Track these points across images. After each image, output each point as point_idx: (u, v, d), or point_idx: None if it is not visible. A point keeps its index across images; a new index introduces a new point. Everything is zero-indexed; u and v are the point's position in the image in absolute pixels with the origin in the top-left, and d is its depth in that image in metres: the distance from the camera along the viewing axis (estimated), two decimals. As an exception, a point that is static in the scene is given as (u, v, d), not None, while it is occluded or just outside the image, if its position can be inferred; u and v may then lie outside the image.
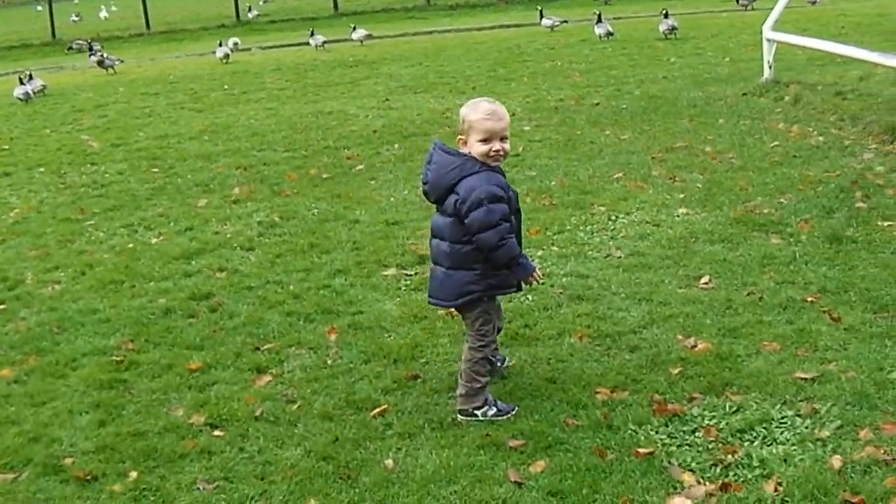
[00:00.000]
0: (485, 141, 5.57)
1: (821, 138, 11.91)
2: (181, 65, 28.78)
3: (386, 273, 8.19)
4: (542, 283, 6.79)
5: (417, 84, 19.47)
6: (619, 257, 8.17)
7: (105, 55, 28.65)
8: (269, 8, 50.25)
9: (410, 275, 8.13)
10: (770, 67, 15.72)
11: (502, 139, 5.62)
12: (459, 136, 5.71)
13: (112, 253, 9.57)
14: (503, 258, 5.59)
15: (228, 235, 9.73)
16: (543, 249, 8.52)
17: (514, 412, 5.69)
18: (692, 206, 9.47)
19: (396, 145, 13.51)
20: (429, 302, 5.96)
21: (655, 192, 10.12)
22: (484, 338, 5.73)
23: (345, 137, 14.35)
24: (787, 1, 15.75)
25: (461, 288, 5.66)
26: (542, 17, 29.55)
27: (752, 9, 32.16)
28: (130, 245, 9.76)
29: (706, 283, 7.40)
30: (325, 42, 29.25)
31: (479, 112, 5.60)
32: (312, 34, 29.98)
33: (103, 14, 59.02)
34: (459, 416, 5.70)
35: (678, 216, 9.21)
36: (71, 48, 38.49)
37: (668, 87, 16.55)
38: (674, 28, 24.07)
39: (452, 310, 6.35)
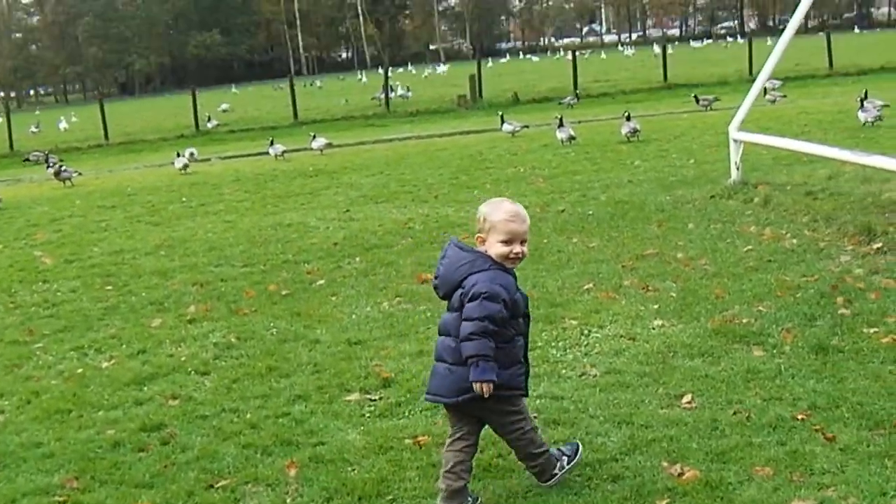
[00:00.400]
0: (506, 242, 5.59)
1: (794, 241, 11.62)
2: (139, 176, 28.45)
3: (349, 398, 7.71)
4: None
5: (378, 193, 19.15)
6: (595, 375, 7.74)
7: (62, 167, 28.24)
8: (229, 118, 50.15)
9: (374, 400, 7.65)
10: (737, 169, 15.51)
11: (522, 242, 5.64)
12: (479, 235, 5.71)
13: (60, 379, 9.03)
14: (466, 351, 5.50)
15: (183, 358, 9.23)
16: (514, 368, 8.10)
17: (579, 447, 6.06)
18: (668, 318, 9.10)
19: (358, 258, 13.09)
20: (426, 398, 5.93)
21: (628, 302, 9.74)
22: (524, 435, 5.82)
23: (305, 251, 13.93)
24: (752, 101, 15.56)
25: (462, 384, 5.56)
26: (503, 122, 29.40)
27: (712, 109, 32.33)
28: (80, 370, 9.23)
29: (689, 403, 6.98)
30: (284, 151, 28.99)
31: (502, 213, 5.61)
32: (272, 143, 29.76)
33: (63, 125, 59.02)
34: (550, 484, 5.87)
35: (654, 328, 8.83)
36: (28, 160, 38.20)
37: (635, 192, 16.29)
38: (636, 130, 24.02)
39: (420, 439, 5.98)
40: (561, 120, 25.70)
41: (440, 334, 5.83)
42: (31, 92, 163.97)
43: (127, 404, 8.11)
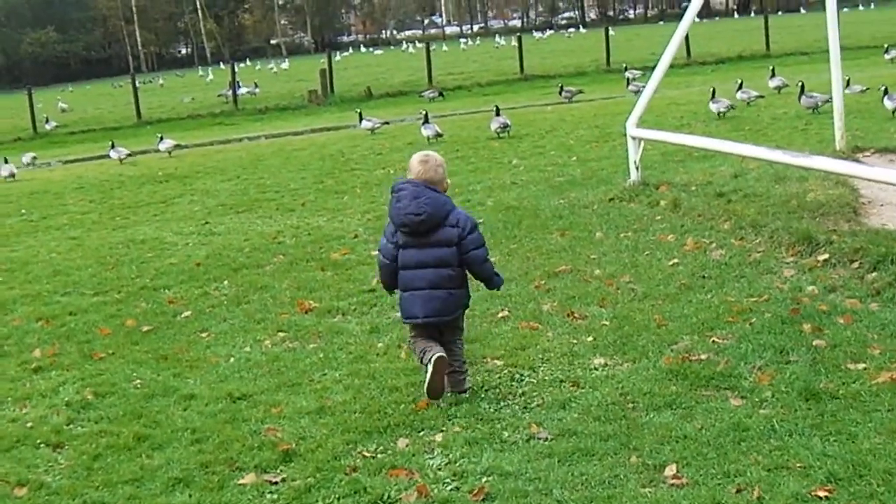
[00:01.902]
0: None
1: (722, 251, 10.34)
2: (-29, 184, 26.12)
3: (242, 481, 6.05)
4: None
5: (238, 202, 17.38)
6: (546, 439, 6.26)
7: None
8: (68, 118, 47.50)
9: (276, 483, 6.04)
10: (637, 168, 14.17)
11: None
12: (446, 180, 7.33)
13: None
14: (489, 270, 7.33)
15: (29, 425, 7.40)
16: (443, 431, 6.58)
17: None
18: (609, 354, 7.70)
19: (226, 282, 11.42)
20: (425, 321, 7.12)
21: (556, 335, 8.32)
22: (462, 344, 7.41)
23: (164, 273, 12.17)
24: (650, 94, 14.25)
25: (459, 301, 7.26)
26: (361, 119, 27.67)
27: (574, 101, 31.33)
28: None
29: (676, 477, 5.56)
30: (129, 154, 27.02)
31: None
32: (113, 146, 27.73)
33: None
34: (465, 393, 7.17)
35: (597, 369, 7.42)
36: None
37: (523, 195, 14.92)
38: (506, 126, 22.73)
39: None
40: (426, 116, 24.26)
41: (428, 267, 7.05)
42: None
43: (-46, 497, 6.38)
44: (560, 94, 32.49)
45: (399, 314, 7.51)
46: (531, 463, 5.95)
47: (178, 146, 27.80)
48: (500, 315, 8.99)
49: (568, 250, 11.24)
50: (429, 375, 6.90)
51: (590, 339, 8.11)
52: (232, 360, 8.53)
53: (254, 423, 6.97)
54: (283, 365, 8.23)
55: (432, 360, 6.86)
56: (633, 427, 6.28)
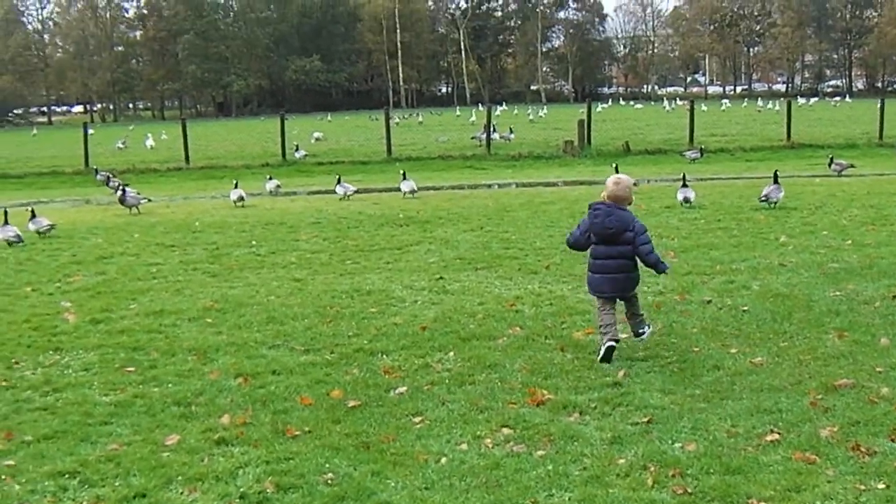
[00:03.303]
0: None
1: None
2: (213, 208, 25.77)
3: None
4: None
5: (478, 256, 16.10)
6: None
7: (126, 190, 25.64)
8: (319, 148, 47.55)
9: None
10: (930, 266, 12.34)
11: None
12: (631, 196, 10.16)
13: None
14: (654, 258, 9.94)
15: (194, 519, 6.30)
16: None
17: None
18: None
19: (452, 353, 10.13)
20: (609, 295, 9.93)
21: (838, 474, 6.73)
22: (638, 300, 10.34)
23: (384, 335, 10.97)
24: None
25: (636, 281, 10.09)
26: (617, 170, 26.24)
27: (846, 174, 29.27)
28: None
29: None
30: (355, 191, 26.98)
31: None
32: (339, 181, 27.46)
33: (149, 143, 57.21)
34: (645, 336, 10.18)
35: (896, 536, 5.81)
36: (98, 176, 35.89)
37: (793, 282, 13.21)
38: (770, 198, 21.09)
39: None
40: (684, 178, 22.82)
41: (610, 258, 9.88)
42: (130, 106, 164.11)
43: None
44: (829, 166, 30.39)
45: (587, 289, 10.40)
46: None
47: (413, 191, 26.76)
48: (769, 438, 7.42)
49: (847, 357, 9.57)
50: (603, 350, 9.72)
51: (881, 486, 6.50)
52: (444, 460, 7.18)
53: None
54: (503, 476, 6.85)
55: (606, 344, 9.71)
56: None
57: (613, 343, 9.61)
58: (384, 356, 10.16)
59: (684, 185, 22.40)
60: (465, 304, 12.46)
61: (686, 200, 21.93)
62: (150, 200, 26.04)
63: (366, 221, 21.17)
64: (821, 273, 13.75)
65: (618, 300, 10.00)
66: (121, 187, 26.37)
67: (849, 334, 10.38)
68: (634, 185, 10.74)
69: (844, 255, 15.19)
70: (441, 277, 14.34)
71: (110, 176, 33.79)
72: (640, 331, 10.09)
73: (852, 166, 30.59)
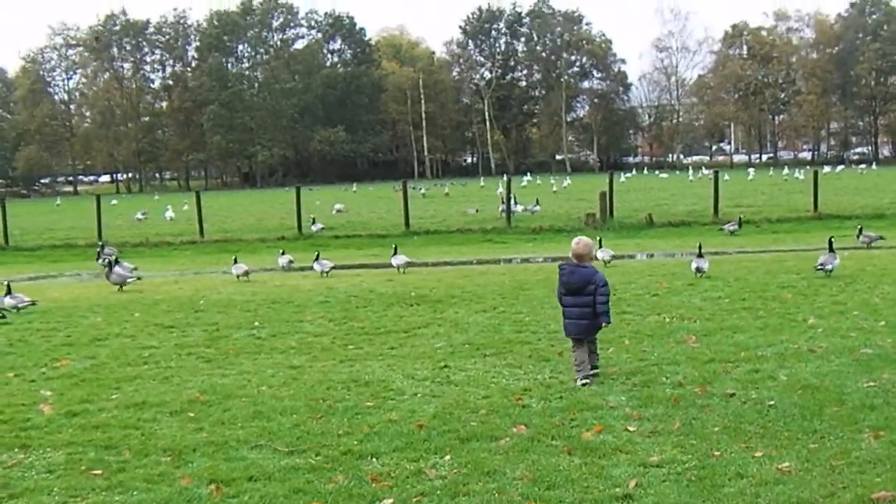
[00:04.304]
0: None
1: None
2: (221, 284, 25.03)
3: None
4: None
5: (488, 341, 15.19)
6: None
7: (115, 269, 24.81)
8: (337, 221, 46.86)
9: None
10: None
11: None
12: (592, 252, 13.04)
13: None
14: (602, 310, 12.26)
15: None
16: None
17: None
18: None
19: (448, 457, 9.23)
20: (574, 336, 12.43)
21: None
22: (597, 347, 12.80)
23: (377, 434, 10.07)
24: None
25: (595, 326, 12.41)
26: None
27: (875, 246, 28.41)
28: None
29: None
30: (332, 267, 26.31)
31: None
32: (318, 258, 26.96)
33: (169, 214, 56.96)
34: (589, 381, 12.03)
35: None
36: (102, 255, 34.53)
37: (823, 371, 12.29)
38: (825, 266, 21.05)
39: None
40: (700, 248, 22.42)
41: (575, 307, 12.36)
42: (157, 175, 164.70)
43: None
44: (858, 237, 29.47)
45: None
46: None
47: (409, 264, 26.00)
48: (798, 568, 6.52)
49: (885, 462, 8.68)
50: (579, 382, 12.01)
51: None
52: None
53: None
54: None
55: (581, 382, 12.02)
56: None
57: (587, 381, 12.02)
58: (374, 459, 9.28)
59: (699, 256, 22.29)
60: (468, 398, 11.59)
61: (699, 270, 21.92)
62: (139, 278, 25.28)
63: (375, 301, 20.36)
64: (853, 360, 12.85)
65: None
66: (109, 263, 25.67)
67: (885, 434, 9.49)
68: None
69: (878, 338, 14.27)
70: (446, 366, 13.47)
71: (100, 249, 32.88)
72: (589, 373, 12.21)
73: (882, 238, 29.70)
